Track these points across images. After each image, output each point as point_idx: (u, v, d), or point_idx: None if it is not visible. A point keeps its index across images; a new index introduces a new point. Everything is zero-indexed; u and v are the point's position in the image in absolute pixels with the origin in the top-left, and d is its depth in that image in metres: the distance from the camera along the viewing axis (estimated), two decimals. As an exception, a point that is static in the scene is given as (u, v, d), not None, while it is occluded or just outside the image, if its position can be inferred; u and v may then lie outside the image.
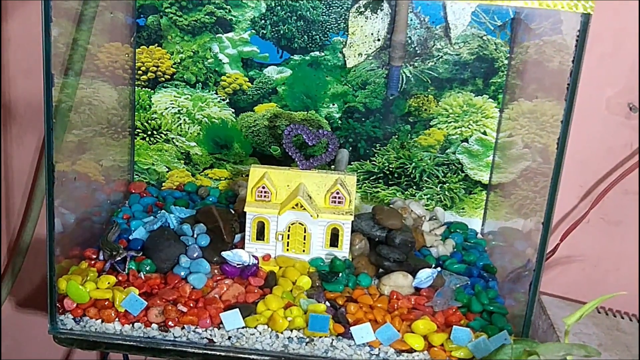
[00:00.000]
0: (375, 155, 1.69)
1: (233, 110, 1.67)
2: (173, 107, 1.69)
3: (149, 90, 1.68)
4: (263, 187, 1.45)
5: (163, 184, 1.76)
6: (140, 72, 1.66)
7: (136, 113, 1.69)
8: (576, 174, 1.69)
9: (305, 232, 1.46)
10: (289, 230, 1.46)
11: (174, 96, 1.68)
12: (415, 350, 1.34)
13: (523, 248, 1.43)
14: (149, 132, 1.71)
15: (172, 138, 1.71)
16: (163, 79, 1.67)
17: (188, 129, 1.70)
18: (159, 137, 1.71)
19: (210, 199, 1.69)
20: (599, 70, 1.61)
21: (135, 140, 1.72)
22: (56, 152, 1.33)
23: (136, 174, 1.74)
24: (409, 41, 1.59)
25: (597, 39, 1.56)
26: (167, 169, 1.74)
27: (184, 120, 1.69)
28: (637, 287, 1.74)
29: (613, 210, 1.71)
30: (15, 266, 1.78)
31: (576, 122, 1.35)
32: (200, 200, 1.69)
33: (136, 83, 1.67)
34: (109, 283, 1.39)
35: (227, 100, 1.66)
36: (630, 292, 1.72)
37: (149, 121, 1.70)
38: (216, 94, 1.66)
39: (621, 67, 1.62)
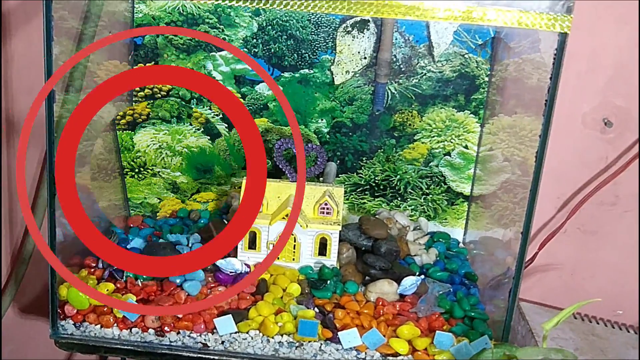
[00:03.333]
0: (362, 168, 1.73)
1: (209, 137, 1.72)
2: (154, 144, 1.73)
3: (130, 132, 1.73)
4: (254, 199, 1.50)
5: (157, 213, 1.80)
6: (118, 117, 1.71)
7: (122, 154, 1.74)
8: (554, 186, 1.73)
9: (295, 241, 1.50)
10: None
11: (153, 133, 1.73)
12: (400, 354, 1.38)
13: (503, 256, 1.47)
14: (137, 170, 1.76)
15: (158, 171, 1.76)
16: (140, 119, 1.71)
17: (171, 161, 1.75)
18: (146, 172, 1.76)
19: (202, 221, 1.74)
20: (575, 87, 1.66)
21: (125, 178, 1.77)
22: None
23: (132, 209, 1.79)
24: (394, 59, 1.64)
25: (573, 58, 1.61)
26: (158, 200, 1.79)
27: (166, 153, 1.74)
28: (612, 293, 1.80)
29: (589, 221, 1.76)
30: (19, 274, 1.82)
31: (554, 136, 1.38)
32: (193, 224, 1.73)
33: (117, 127, 1.72)
34: (107, 290, 1.44)
35: (202, 130, 1.72)
36: (605, 298, 1.75)
37: (135, 160, 1.75)
38: (190, 125, 1.72)
39: (596, 84, 1.67)
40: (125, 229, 1.74)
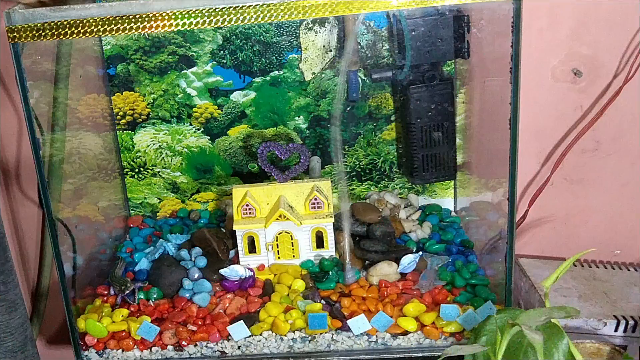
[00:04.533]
0: (346, 156, 1.76)
1: (209, 137, 1.74)
2: (154, 144, 1.76)
3: (130, 131, 1.75)
4: (247, 205, 1.54)
5: (157, 213, 1.83)
6: (118, 116, 1.73)
7: (122, 154, 1.77)
8: (534, 142, 1.75)
9: (292, 239, 1.55)
10: (277, 240, 1.55)
11: (153, 133, 1.75)
12: (410, 332, 1.43)
13: (495, 219, 1.50)
14: (137, 170, 1.78)
15: (158, 171, 1.79)
16: (140, 119, 1.74)
17: (171, 161, 1.77)
18: (146, 172, 1.79)
19: (202, 221, 1.78)
20: (540, 44, 1.67)
21: (125, 178, 1.79)
22: (56, 202, 1.43)
23: (132, 209, 1.82)
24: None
25: (533, 15, 1.63)
26: (158, 200, 1.82)
27: (166, 153, 1.77)
28: (607, 235, 1.83)
29: (574, 170, 1.78)
30: (40, 309, 1.87)
31: (527, 94, 1.39)
32: (193, 224, 1.77)
33: (117, 127, 1.74)
34: (122, 315, 1.49)
35: (202, 129, 1.74)
36: (601, 241, 1.80)
37: (135, 160, 1.77)
38: (191, 125, 1.74)
39: (560, 37, 1.68)
40: (125, 229, 1.78)
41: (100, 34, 1.23)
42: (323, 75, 1.69)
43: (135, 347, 1.46)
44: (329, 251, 1.56)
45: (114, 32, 1.23)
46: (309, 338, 1.44)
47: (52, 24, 1.23)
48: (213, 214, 1.80)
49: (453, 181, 1.77)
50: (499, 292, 1.45)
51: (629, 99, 1.70)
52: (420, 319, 1.43)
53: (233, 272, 1.53)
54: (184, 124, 1.74)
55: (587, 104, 1.74)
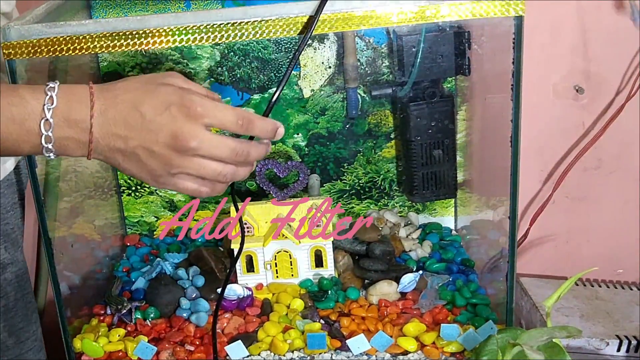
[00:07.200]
0: (345, 174, 1.75)
1: None
2: None
3: None
4: (245, 223, 1.52)
5: (154, 232, 1.81)
6: None
7: (118, 172, 1.75)
8: (536, 160, 1.75)
9: (290, 257, 1.53)
10: (275, 259, 1.53)
11: None
12: (410, 352, 1.41)
13: (496, 237, 1.48)
14: (133, 188, 1.77)
15: (155, 190, 1.77)
16: None
17: None
18: (142, 191, 1.77)
19: (200, 240, 1.75)
20: (541, 60, 1.67)
21: (122, 197, 1.78)
22: (52, 220, 1.40)
23: (128, 228, 1.81)
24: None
25: (535, 31, 1.63)
26: (155, 218, 1.80)
27: None
28: (610, 254, 1.82)
29: (576, 188, 1.78)
30: (36, 329, 1.85)
31: (528, 111, 1.38)
32: (191, 242, 1.75)
33: None
34: (119, 335, 1.46)
35: None
36: (604, 260, 1.78)
37: (131, 178, 1.75)
38: None
39: (562, 53, 1.68)
40: (122, 248, 1.77)
41: (97, 50, 1.22)
42: (322, 92, 1.68)
43: (132, 366, 1.44)
44: (328, 270, 1.54)
45: (110, 49, 1.22)
46: (308, 358, 1.42)
47: (47, 40, 1.22)
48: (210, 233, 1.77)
49: (454, 199, 1.76)
50: (500, 312, 1.44)
51: (631, 116, 1.70)
52: (420, 339, 1.42)
53: (231, 291, 1.51)
54: (181, 141, 1.71)
55: (589, 121, 1.73)
